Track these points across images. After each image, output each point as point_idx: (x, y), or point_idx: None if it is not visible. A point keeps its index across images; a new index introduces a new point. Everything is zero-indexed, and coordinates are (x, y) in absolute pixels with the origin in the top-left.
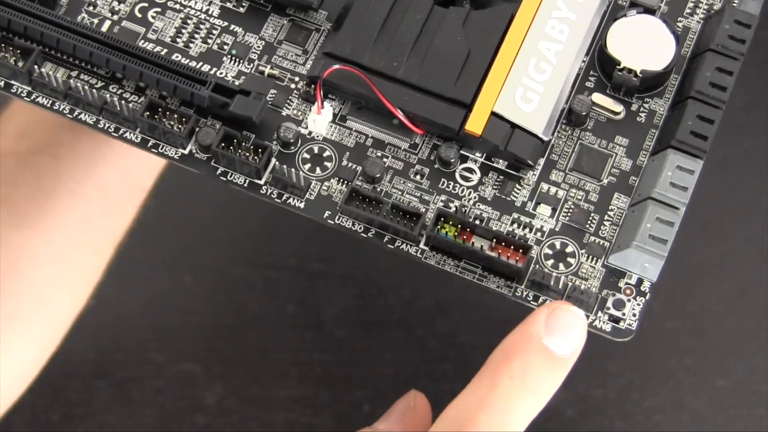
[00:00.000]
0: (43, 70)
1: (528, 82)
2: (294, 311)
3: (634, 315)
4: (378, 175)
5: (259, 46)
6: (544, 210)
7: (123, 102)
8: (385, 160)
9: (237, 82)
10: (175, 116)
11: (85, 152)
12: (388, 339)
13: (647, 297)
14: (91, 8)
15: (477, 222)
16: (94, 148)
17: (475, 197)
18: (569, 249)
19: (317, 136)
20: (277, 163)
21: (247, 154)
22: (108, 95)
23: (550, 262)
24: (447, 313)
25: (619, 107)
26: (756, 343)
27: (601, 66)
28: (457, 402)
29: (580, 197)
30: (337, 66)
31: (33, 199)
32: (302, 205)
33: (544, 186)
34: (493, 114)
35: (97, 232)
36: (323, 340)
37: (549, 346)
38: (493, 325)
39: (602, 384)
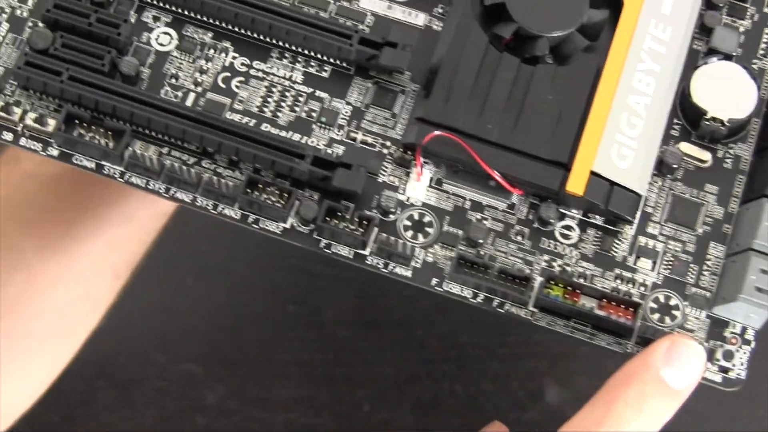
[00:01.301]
0: (136, 150)
1: (622, 138)
2: (294, 311)
3: (742, 364)
4: (481, 240)
5: (347, 112)
6: (645, 264)
7: (222, 180)
8: (485, 222)
9: (330, 151)
10: (274, 190)
11: (111, 183)
12: (388, 339)
13: (752, 345)
14: (173, 81)
15: (582, 280)
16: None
17: (576, 255)
18: (673, 302)
19: (416, 202)
20: (382, 233)
21: (352, 227)
22: (204, 173)
23: (656, 316)
24: (447, 313)
25: (706, 155)
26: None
27: (684, 114)
28: (574, 421)
29: (677, 248)
30: (436, 133)
31: (55, 223)
32: (409, 274)
33: (642, 239)
34: (592, 173)
35: (119, 256)
36: (324, 340)
37: (665, 377)
38: (493, 326)
39: (602, 384)
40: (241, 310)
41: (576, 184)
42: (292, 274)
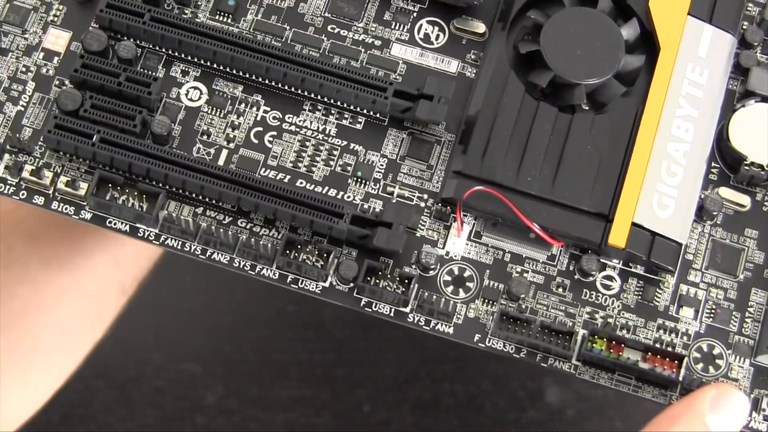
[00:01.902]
0: (170, 212)
1: (662, 188)
2: (294, 311)
3: None
4: (523, 295)
5: (382, 165)
6: (687, 312)
7: (261, 242)
8: (525, 275)
9: (367, 206)
10: (313, 249)
11: None
12: (388, 339)
13: None
14: (205, 137)
15: (625, 332)
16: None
17: (618, 306)
18: (716, 351)
19: (455, 257)
20: (423, 290)
21: (393, 285)
22: (240, 232)
23: (700, 365)
24: None
25: (745, 199)
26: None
27: (722, 158)
28: None
29: (720, 296)
30: (476, 188)
31: (62, 238)
32: (451, 331)
33: (683, 288)
34: (634, 224)
35: (126, 272)
36: (323, 340)
37: (709, 423)
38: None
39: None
40: (241, 310)
41: (618, 236)
42: None
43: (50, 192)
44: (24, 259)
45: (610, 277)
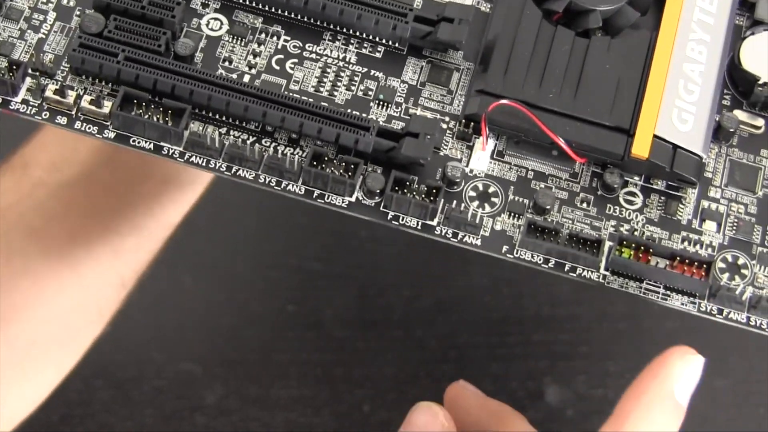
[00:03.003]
0: (198, 129)
1: (681, 104)
2: (294, 311)
3: None
4: (549, 206)
5: (403, 90)
6: (710, 226)
7: (287, 156)
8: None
9: (389, 126)
10: (339, 164)
11: (119, 189)
12: (388, 339)
13: None
14: (226, 64)
15: (651, 241)
16: (127, 186)
17: (642, 220)
18: (741, 261)
19: (479, 173)
20: (448, 204)
21: (423, 198)
22: (266, 151)
23: (725, 275)
24: (447, 313)
25: (759, 122)
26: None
27: (734, 84)
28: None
29: (741, 210)
30: (502, 101)
31: (63, 231)
32: (479, 242)
33: (705, 203)
34: (656, 137)
35: (126, 265)
36: (323, 340)
37: (676, 393)
38: (493, 326)
39: (602, 384)
40: (241, 310)
41: (641, 147)
42: (292, 274)
43: (73, 112)
44: (24, 252)
45: (632, 193)
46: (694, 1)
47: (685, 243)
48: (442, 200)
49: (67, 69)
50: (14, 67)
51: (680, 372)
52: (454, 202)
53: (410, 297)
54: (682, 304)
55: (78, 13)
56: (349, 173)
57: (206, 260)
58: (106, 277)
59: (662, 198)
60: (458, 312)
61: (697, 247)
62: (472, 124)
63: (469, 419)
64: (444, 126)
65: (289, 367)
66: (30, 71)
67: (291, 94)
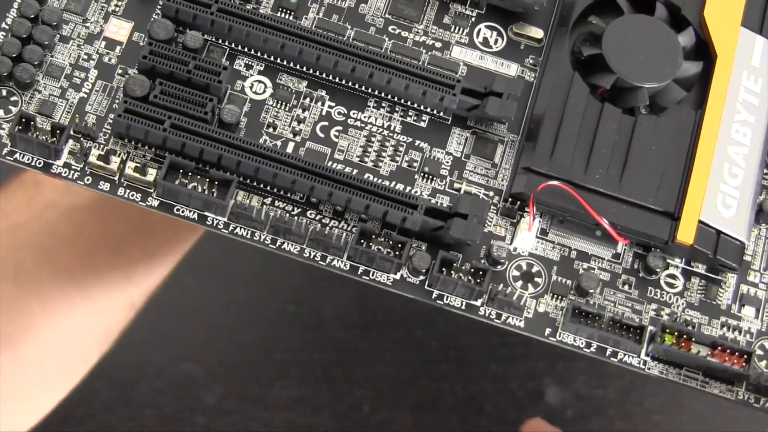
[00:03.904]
0: (242, 200)
1: (725, 188)
2: (294, 311)
3: None
4: (593, 290)
5: (448, 162)
6: (749, 311)
7: (335, 232)
8: (593, 271)
9: (434, 201)
10: (386, 241)
11: (131, 214)
12: (388, 339)
13: None
14: (270, 130)
15: (692, 329)
16: (139, 211)
17: (682, 304)
18: None
19: (523, 252)
20: (492, 284)
21: (469, 278)
22: (312, 224)
23: (764, 363)
24: (447, 313)
25: None
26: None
27: None
28: None
29: None
30: (552, 182)
31: (73, 253)
32: (522, 324)
33: (744, 287)
34: (701, 223)
35: (136, 289)
36: (323, 340)
37: None
38: (493, 326)
39: (602, 384)
40: (241, 310)
41: (686, 233)
42: (292, 274)
43: (116, 178)
44: (34, 272)
45: (673, 276)
46: (739, 81)
47: (724, 329)
48: (490, 284)
49: (109, 131)
50: (57, 131)
51: None
52: (500, 285)
53: (410, 297)
54: (721, 391)
55: (120, 71)
56: (396, 252)
57: (206, 260)
58: (115, 300)
59: (702, 281)
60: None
61: (736, 333)
62: (518, 202)
63: None
64: (487, 200)
65: (289, 367)
66: (72, 133)
67: (338, 167)
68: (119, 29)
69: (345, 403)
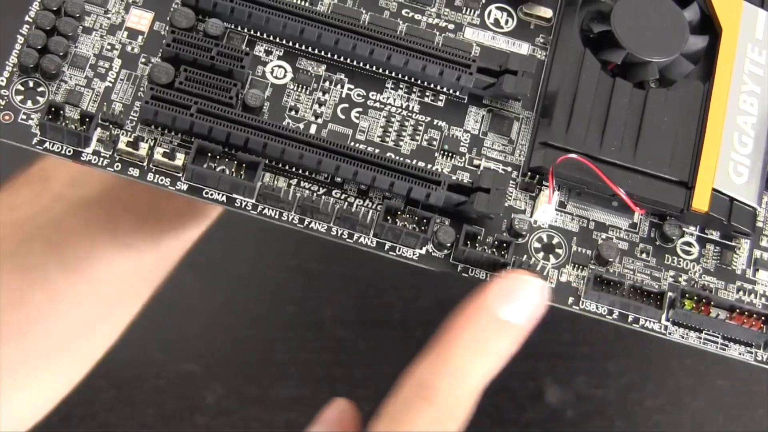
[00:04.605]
0: (269, 181)
1: (736, 157)
2: (294, 311)
3: None
4: (612, 259)
5: (466, 140)
6: (764, 275)
7: (361, 210)
8: (612, 240)
9: (455, 177)
10: (411, 217)
11: (139, 207)
12: (388, 339)
13: None
14: (293, 113)
15: (710, 293)
16: (147, 203)
17: (699, 270)
18: None
19: (543, 224)
20: (515, 256)
21: (492, 251)
22: (338, 203)
23: None
24: (447, 313)
25: None
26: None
27: None
28: (415, 370)
29: None
30: (570, 155)
31: (80, 246)
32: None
33: (757, 252)
34: (714, 191)
35: (143, 281)
36: (323, 340)
37: (502, 315)
38: None
39: (602, 384)
40: (241, 310)
41: (701, 201)
42: (292, 274)
43: (145, 163)
44: (42, 265)
45: (689, 243)
46: (744, 53)
47: (741, 293)
48: (513, 255)
49: (136, 118)
50: (87, 119)
51: (499, 290)
52: (524, 256)
53: (410, 297)
54: (740, 354)
55: (143, 60)
56: (422, 227)
57: (207, 260)
58: (122, 292)
59: (717, 248)
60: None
61: (752, 296)
62: (537, 176)
63: None
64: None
65: (289, 367)
66: (100, 120)
67: (360, 146)
68: (140, 19)
69: None
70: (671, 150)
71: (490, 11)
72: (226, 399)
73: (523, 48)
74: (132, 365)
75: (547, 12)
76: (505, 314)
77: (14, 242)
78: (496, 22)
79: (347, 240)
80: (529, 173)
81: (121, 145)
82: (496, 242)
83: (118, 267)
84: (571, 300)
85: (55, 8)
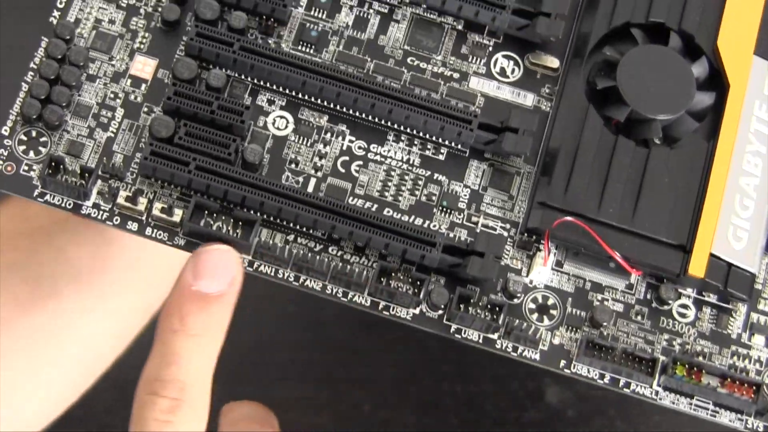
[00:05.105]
0: (265, 239)
1: (736, 221)
2: (294, 311)
3: None
4: (606, 323)
5: (465, 195)
6: (759, 340)
7: (355, 269)
8: (606, 302)
9: (452, 235)
10: (406, 277)
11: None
12: (388, 339)
13: None
14: (293, 166)
15: (701, 358)
16: None
17: (694, 333)
18: None
19: (538, 285)
20: (508, 317)
21: (483, 313)
22: (334, 261)
23: None
24: None
25: None
26: None
27: None
28: (144, 370)
29: None
30: (566, 219)
31: (93, 258)
32: (537, 357)
33: (754, 316)
34: (712, 256)
35: (154, 295)
36: (323, 340)
37: (201, 289)
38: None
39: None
40: (241, 309)
41: (697, 266)
42: None
43: (144, 218)
44: (54, 275)
45: (685, 306)
46: (751, 111)
47: (735, 358)
48: (507, 318)
49: (136, 171)
50: (86, 174)
51: (191, 267)
52: (516, 321)
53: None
54: (730, 420)
55: (145, 110)
56: (415, 288)
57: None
58: (132, 305)
59: (714, 311)
60: None
61: (746, 361)
62: (534, 235)
63: None
64: (504, 233)
65: (289, 367)
66: (100, 173)
67: (354, 201)
68: (144, 66)
69: (345, 403)
70: (671, 212)
71: (497, 59)
72: (225, 399)
73: (529, 99)
74: (132, 366)
75: (554, 62)
76: (203, 288)
77: (27, 252)
78: (503, 71)
79: (342, 299)
80: (527, 232)
81: (120, 200)
82: (489, 304)
83: (128, 280)
84: (563, 363)
85: (59, 56)
